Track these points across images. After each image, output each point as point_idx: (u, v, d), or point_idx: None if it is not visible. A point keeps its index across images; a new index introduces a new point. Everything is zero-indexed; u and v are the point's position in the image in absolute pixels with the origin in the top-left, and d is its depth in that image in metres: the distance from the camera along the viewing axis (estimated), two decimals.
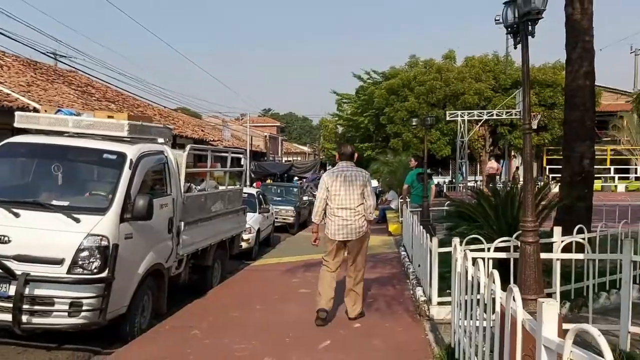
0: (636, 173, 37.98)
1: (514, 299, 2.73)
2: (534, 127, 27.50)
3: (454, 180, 40.21)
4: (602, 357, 1.74)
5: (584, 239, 6.20)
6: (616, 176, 36.65)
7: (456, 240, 4.81)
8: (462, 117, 25.04)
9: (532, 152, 4.30)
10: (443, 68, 34.33)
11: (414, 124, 15.87)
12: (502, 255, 5.55)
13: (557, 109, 34.23)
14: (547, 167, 37.54)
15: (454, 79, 32.78)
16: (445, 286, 7.09)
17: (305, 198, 21.25)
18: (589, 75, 9.31)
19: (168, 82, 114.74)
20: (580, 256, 5.17)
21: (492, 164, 28.30)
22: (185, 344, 5.78)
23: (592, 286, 5.13)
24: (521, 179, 11.72)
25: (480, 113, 26.21)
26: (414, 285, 8.15)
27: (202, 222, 8.06)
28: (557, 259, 5.37)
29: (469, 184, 30.96)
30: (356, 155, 6.99)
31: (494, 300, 3.39)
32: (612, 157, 38.05)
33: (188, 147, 8.00)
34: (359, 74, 39.02)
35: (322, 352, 5.57)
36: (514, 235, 6.55)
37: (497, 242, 5.80)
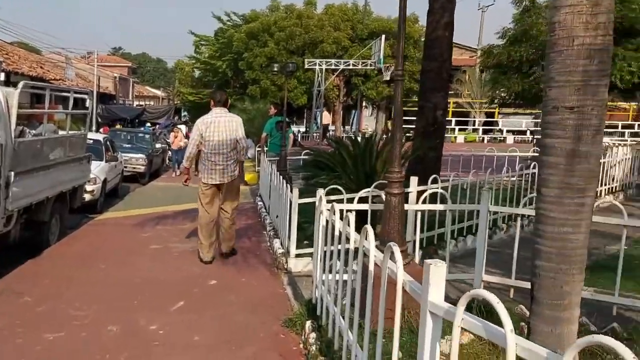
0: (474, 125, 40.99)
1: (391, 259, 2.51)
2: (387, 78, 28.35)
3: (308, 129, 40.60)
4: (501, 326, 1.52)
5: (443, 188, 6.31)
6: (456, 128, 39.28)
7: (321, 192, 4.56)
8: (320, 65, 25.02)
9: (402, 101, 4.10)
10: (304, 14, 33.97)
11: (275, 70, 15.37)
12: (365, 206, 5.41)
13: (408, 61, 35.56)
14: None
15: (313, 27, 32.59)
16: (303, 237, 6.94)
17: (158, 145, 20.05)
18: (449, 26, 9.44)
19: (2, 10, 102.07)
20: (441, 207, 5.18)
21: (326, 114, 28.86)
22: (13, 314, 5.01)
23: (449, 234, 5.15)
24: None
25: (338, 62, 26.38)
26: (271, 237, 7.92)
27: (37, 172, 7.08)
28: (420, 210, 5.32)
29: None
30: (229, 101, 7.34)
31: (363, 255, 3.18)
32: (454, 109, 40.64)
33: (21, 84, 6.90)
34: (219, 15, 37.47)
35: (175, 315, 5.13)
36: (372, 186, 6.51)
37: (362, 193, 5.64)
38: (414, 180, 6.59)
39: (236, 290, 5.83)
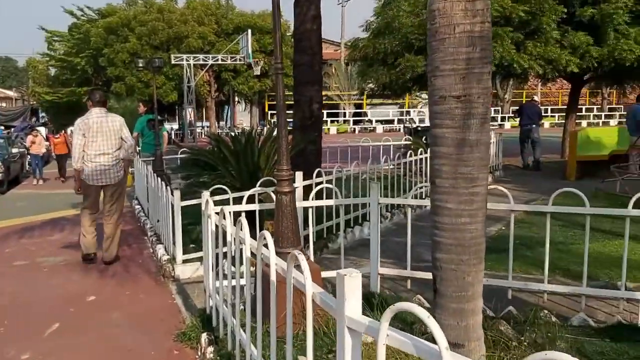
0: (345, 116, 42.04)
1: (296, 268, 2.36)
2: (257, 72, 28.18)
3: (181, 127, 39.47)
4: (433, 342, 1.41)
5: (328, 181, 6.28)
6: (328, 120, 40.04)
7: (207, 195, 4.30)
8: (188, 61, 24.23)
9: (284, 94, 3.96)
10: (165, 8, 32.81)
11: (140, 65, 14.58)
12: (254, 207, 5.22)
13: None
14: (269, 112, 39.29)
15: (177, 21, 31.59)
16: (188, 240, 6.62)
17: (14, 150, 18.32)
18: (317, 19, 9.47)
19: None
20: (331, 202, 5.12)
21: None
22: None
23: (343, 229, 5.09)
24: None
25: (206, 57, 25.71)
26: (153, 243, 7.48)
27: None
28: (311, 207, 5.22)
29: (199, 130, 30.59)
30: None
31: (262, 263, 3.00)
32: (324, 102, 41.43)
33: None
34: (71, 9, 35.01)
35: (50, 340, 4.62)
36: (258, 184, 6.34)
37: (252, 192, 5.42)
38: (299, 175, 6.52)
39: (119, 305, 5.39)
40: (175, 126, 37.51)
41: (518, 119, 16.37)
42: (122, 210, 7.23)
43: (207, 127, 35.96)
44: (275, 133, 7.67)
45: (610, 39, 13.73)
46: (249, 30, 25.22)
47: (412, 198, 4.88)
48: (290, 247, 3.97)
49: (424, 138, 13.20)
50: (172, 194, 6.10)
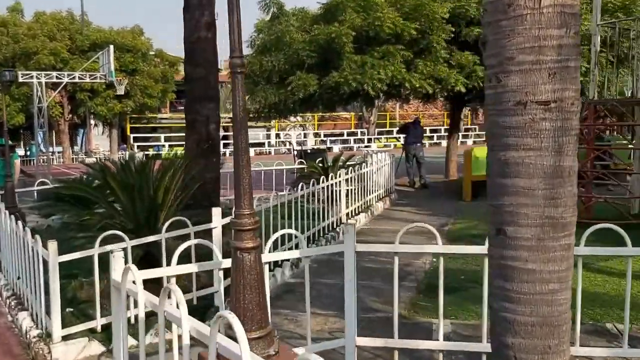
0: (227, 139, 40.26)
1: None
2: (121, 92, 25.82)
3: (28, 153, 35.48)
4: None
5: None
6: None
7: (119, 256, 2.82)
8: (39, 78, 21.38)
9: (244, 102, 2.68)
10: (9, 22, 29.38)
11: None
12: (192, 268, 3.69)
13: (138, 75, 33.30)
14: (132, 135, 36.45)
15: (24, 36, 28.28)
16: (65, 303, 4.93)
17: None
18: (212, 27, 8.20)
19: None
20: (297, 254, 3.76)
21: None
22: None
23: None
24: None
25: (60, 75, 22.92)
26: (12, 308, 5.60)
27: None
28: (267, 262, 3.84)
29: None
30: None
31: None
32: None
33: None
34: None
35: None
36: (166, 225, 4.90)
37: (160, 237, 3.91)
38: (216, 211, 5.16)
39: None
40: (22, 152, 33.50)
41: (403, 138, 16.12)
42: None
43: (60, 152, 32.40)
44: (180, 161, 6.27)
45: None
46: (111, 47, 22.89)
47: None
48: (258, 331, 2.68)
49: (318, 161, 12.27)
50: (46, 248, 4.41)
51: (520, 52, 2.08)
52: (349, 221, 9.32)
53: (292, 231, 3.62)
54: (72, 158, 33.67)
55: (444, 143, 40.10)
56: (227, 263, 3.12)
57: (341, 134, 41.54)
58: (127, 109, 33.18)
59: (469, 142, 40.30)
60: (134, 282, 2.62)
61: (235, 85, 2.67)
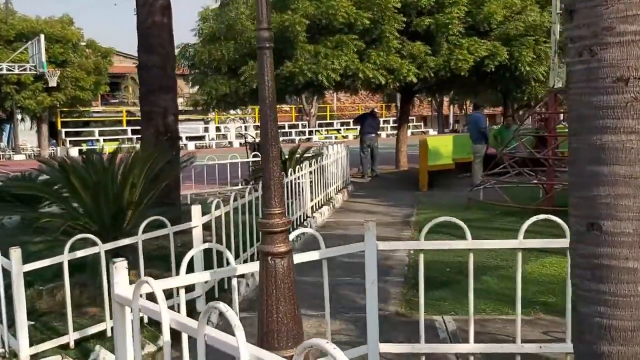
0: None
1: None
2: (53, 84, 24.40)
3: None
4: None
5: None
6: (134, 137, 36.67)
7: (122, 266, 2.37)
8: None
9: (273, 82, 2.30)
10: None
11: None
12: (203, 277, 3.24)
13: (69, 66, 31.59)
14: (63, 130, 34.61)
15: None
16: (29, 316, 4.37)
17: None
18: (167, 10, 7.69)
19: None
20: (315, 255, 3.35)
21: None
22: None
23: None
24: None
25: None
26: None
27: None
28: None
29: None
30: None
31: None
32: (127, 118, 37.95)
33: None
34: None
35: None
36: (142, 226, 4.42)
37: (135, 240, 3.45)
38: (196, 209, 4.71)
39: None
40: None
41: (359, 129, 15.95)
42: None
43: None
44: (146, 155, 5.75)
45: (443, 49, 13.84)
46: (42, 35, 21.42)
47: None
48: (294, 347, 2.32)
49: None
50: (8, 257, 3.84)
51: (622, 21, 1.82)
52: (315, 215, 9.01)
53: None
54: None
55: (384, 135, 40.48)
56: (243, 269, 2.74)
57: (282, 127, 41.07)
58: (58, 103, 31.43)
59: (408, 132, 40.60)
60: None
61: (262, 63, 2.30)
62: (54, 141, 35.34)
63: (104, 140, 33.28)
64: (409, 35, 14.06)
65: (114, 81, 39.43)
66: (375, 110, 18.07)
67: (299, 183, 8.65)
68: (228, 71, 13.14)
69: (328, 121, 44.64)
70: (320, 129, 42.53)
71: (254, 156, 12.24)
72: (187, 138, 36.03)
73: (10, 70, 21.96)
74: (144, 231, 4.37)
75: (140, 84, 7.94)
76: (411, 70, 13.62)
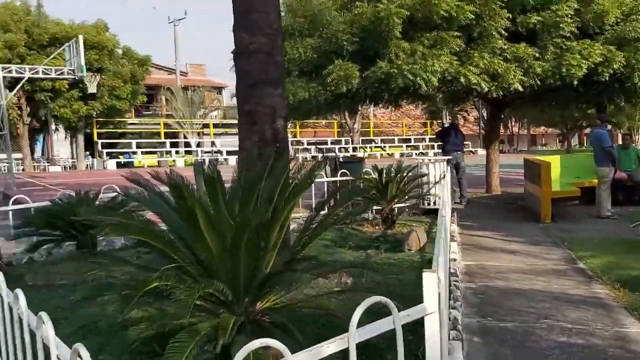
0: (189, 146, 37.16)
1: None
2: (93, 91, 22.75)
3: None
4: None
5: None
6: (172, 150, 34.96)
7: None
8: None
9: None
10: None
11: None
12: None
13: (105, 74, 30.08)
14: (100, 141, 32.98)
15: None
16: None
17: None
18: None
19: None
20: None
21: None
22: None
23: None
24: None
25: (21, 69, 19.65)
26: None
27: None
28: None
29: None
30: None
31: None
32: (165, 130, 36.35)
33: None
34: None
35: None
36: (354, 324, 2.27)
37: None
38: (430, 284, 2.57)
39: None
40: None
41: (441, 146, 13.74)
42: None
43: (19, 160, 28.86)
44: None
45: (549, 53, 11.62)
46: (80, 37, 19.71)
47: None
48: None
49: (364, 172, 9.78)
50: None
51: None
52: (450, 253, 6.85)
53: None
54: (34, 166, 30.15)
55: (431, 152, 38.15)
56: None
57: (324, 142, 39.09)
58: (94, 112, 29.92)
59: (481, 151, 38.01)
60: None
61: None
62: (88, 153, 33.82)
63: (142, 153, 31.63)
64: (510, 35, 11.89)
65: (147, 92, 37.98)
66: (456, 123, 15.78)
67: None
68: (305, 72, 11.13)
69: (370, 137, 42.57)
70: (365, 145, 40.45)
71: (341, 174, 10.14)
72: (227, 152, 34.06)
73: (47, 74, 20.20)
74: None
75: (237, 76, 5.87)
76: (517, 76, 11.44)
